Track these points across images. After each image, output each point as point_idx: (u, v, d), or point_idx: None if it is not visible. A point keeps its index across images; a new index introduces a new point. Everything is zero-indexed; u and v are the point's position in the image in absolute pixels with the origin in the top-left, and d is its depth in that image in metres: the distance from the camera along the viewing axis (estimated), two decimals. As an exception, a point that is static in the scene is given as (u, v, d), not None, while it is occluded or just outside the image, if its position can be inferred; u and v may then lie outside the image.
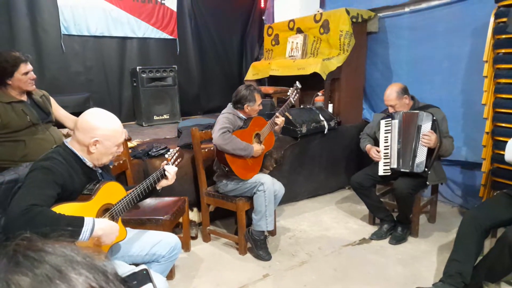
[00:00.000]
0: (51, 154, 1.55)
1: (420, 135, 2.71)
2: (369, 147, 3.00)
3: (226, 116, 2.60)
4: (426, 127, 2.70)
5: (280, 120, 2.75)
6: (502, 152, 2.39)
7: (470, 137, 3.29)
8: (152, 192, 1.80)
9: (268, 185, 2.57)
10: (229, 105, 2.72)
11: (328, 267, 2.55)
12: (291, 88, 2.95)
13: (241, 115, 2.68)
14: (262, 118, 2.79)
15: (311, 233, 3.06)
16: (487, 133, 2.87)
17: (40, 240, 0.46)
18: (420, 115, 2.73)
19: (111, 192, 1.63)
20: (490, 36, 2.78)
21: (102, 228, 1.43)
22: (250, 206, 2.70)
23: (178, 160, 1.90)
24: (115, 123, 1.61)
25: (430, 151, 2.70)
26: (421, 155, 2.70)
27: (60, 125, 2.53)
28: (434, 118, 2.70)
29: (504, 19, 2.59)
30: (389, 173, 2.84)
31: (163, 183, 1.81)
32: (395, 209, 3.30)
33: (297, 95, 2.95)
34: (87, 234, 1.37)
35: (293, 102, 2.92)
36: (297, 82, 2.97)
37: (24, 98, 2.28)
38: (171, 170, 1.80)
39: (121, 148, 1.68)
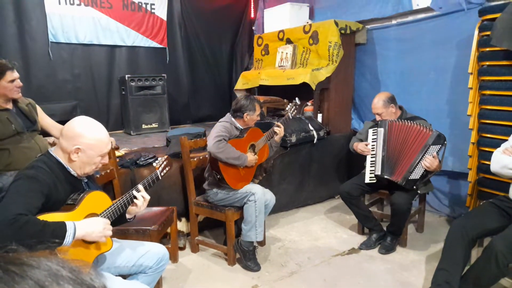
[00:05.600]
0: (35, 163, 1.52)
1: (425, 154, 2.65)
2: (356, 144, 3.02)
3: (223, 125, 2.62)
4: (433, 148, 2.65)
5: (281, 129, 2.76)
6: (487, 162, 2.42)
7: (456, 147, 3.34)
8: (121, 218, 1.70)
9: (259, 195, 2.56)
10: (228, 114, 2.75)
11: (317, 277, 2.54)
12: (290, 104, 2.96)
13: (238, 124, 2.69)
14: (259, 129, 2.79)
15: (300, 243, 3.04)
16: (473, 143, 2.92)
17: (24, 253, 0.44)
18: (433, 134, 2.65)
19: (96, 201, 1.60)
20: (474, 49, 2.84)
21: (83, 228, 1.42)
22: (240, 216, 2.68)
23: (167, 169, 1.87)
24: (100, 133, 1.58)
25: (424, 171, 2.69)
26: (417, 174, 2.68)
27: (46, 134, 2.49)
28: (445, 142, 2.66)
29: (488, 32, 2.65)
30: (374, 181, 2.85)
31: (133, 210, 1.71)
32: (384, 219, 3.31)
33: (295, 111, 2.98)
34: (70, 239, 1.38)
35: (291, 117, 2.94)
36: (296, 98, 3.00)
37: (10, 106, 2.23)
38: (145, 196, 1.69)
39: (106, 159, 1.63)
